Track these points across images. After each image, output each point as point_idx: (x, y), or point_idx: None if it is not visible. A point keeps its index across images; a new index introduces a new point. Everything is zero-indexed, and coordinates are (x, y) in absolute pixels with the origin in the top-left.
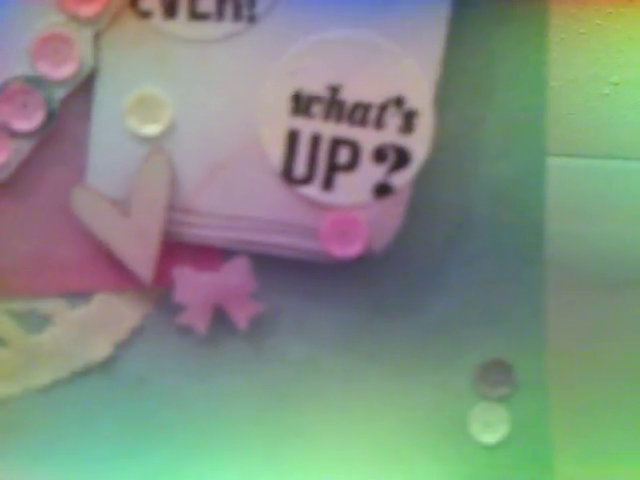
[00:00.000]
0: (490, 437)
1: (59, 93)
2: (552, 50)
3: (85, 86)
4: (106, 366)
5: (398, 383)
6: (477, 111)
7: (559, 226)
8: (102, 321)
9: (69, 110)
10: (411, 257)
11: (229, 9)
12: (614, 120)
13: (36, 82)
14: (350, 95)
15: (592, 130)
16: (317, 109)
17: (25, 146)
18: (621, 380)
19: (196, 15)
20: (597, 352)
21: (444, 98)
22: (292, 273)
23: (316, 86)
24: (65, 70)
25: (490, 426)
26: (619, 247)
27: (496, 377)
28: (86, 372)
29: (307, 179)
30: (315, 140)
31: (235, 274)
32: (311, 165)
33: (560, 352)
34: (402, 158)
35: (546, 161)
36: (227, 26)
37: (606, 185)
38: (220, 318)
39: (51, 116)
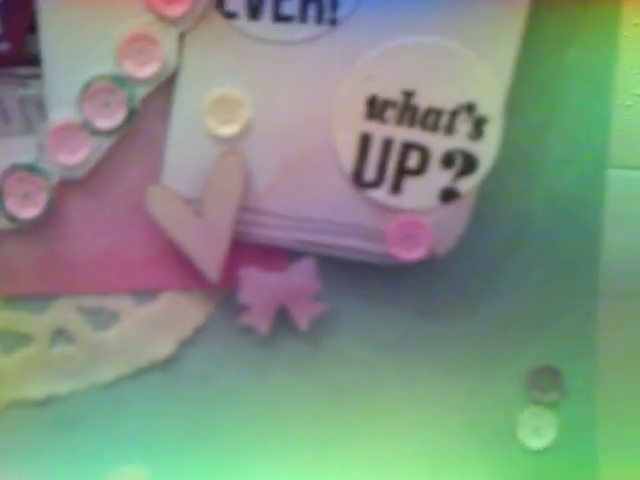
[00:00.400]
0: (538, 442)
1: (141, 92)
2: None
3: (165, 85)
4: (169, 363)
5: (450, 386)
6: (542, 119)
7: (614, 235)
8: (167, 319)
9: (149, 109)
10: (469, 261)
11: (312, 12)
12: (636, 131)
13: (120, 81)
14: (423, 100)
15: (615, 141)
16: (390, 114)
17: (104, 144)
18: None
19: (280, 17)
20: None
21: (510, 105)
22: (353, 275)
23: (391, 91)
24: (149, 69)
25: (538, 431)
26: None
27: (546, 382)
28: (150, 369)
29: (376, 182)
30: (387, 144)
31: (301, 275)
32: (381, 169)
33: (610, 359)
34: (469, 164)
35: (606, 169)
36: (309, 29)
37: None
38: (281, 317)
39: (132, 114)
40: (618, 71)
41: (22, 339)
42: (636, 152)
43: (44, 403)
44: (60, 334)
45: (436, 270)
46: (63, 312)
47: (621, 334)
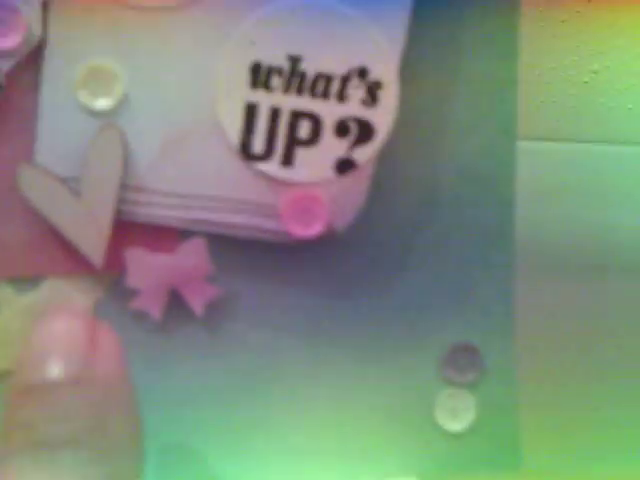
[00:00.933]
0: (456, 424)
1: (5, 65)
2: (531, 38)
3: (33, 57)
4: None
5: (362, 368)
6: (444, 84)
7: (528, 209)
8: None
9: (16, 83)
10: (375, 237)
11: None
12: (593, 107)
13: None
14: (311, 66)
15: (571, 117)
16: (277, 81)
17: None
18: (589, 365)
19: None
20: (565, 337)
21: (409, 70)
22: (251, 255)
23: (276, 57)
24: (11, 40)
25: (456, 413)
26: (588, 232)
27: (463, 362)
28: None
29: (266, 154)
30: (274, 113)
31: (191, 256)
32: (270, 140)
33: (528, 336)
34: (365, 132)
35: (516, 138)
36: None
37: (579, 169)
38: (176, 303)
39: None
40: (574, 47)
41: None
42: (593, 125)
43: None
44: None
45: (342, 247)
46: None
47: (538, 309)
